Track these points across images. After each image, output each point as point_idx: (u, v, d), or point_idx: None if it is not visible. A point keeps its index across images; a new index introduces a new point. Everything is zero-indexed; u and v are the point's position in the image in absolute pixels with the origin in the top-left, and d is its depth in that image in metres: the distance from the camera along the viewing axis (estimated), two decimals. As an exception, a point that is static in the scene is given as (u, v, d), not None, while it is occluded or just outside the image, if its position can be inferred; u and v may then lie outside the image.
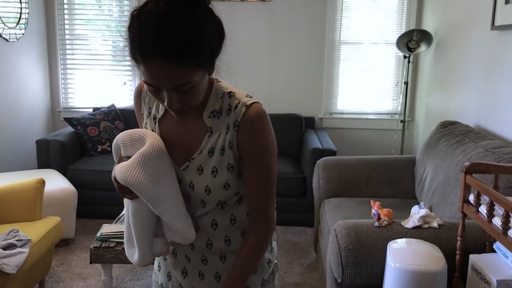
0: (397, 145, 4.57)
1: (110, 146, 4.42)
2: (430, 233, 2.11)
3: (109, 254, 2.62)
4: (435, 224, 2.13)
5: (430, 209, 2.70)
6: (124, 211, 1.39)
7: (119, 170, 1.18)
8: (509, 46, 2.75)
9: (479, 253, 1.99)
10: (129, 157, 1.22)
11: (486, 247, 2.04)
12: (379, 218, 2.23)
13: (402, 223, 2.18)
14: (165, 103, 1.11)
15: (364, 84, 4.77)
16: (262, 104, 1.24)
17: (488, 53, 3.03)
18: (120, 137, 1.25)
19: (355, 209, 2.89)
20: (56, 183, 3.65)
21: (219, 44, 1.14)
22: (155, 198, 1.19)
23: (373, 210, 2.28)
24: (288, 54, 4.72)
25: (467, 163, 1.94)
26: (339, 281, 2.18)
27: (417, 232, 2.11)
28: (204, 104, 1.22)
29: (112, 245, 2.63)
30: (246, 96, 1.23)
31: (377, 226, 2.17)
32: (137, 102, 1.35)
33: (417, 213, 2.21)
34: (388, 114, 4.79)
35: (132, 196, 1.20)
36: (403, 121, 4.41)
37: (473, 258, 1.92)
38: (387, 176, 3.30)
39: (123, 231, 2.69)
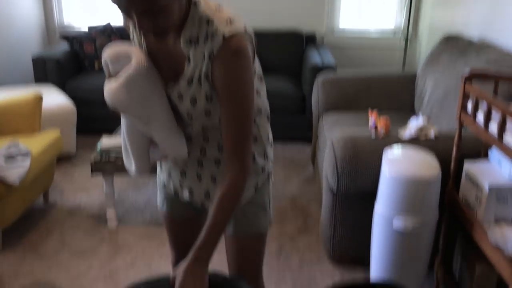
0: (399, 64, 4.50)
1: (108, 63, 4.36)
2: (426, 143, 2.13)
3: (109, 165, 2.66)
4: (431, 135, 2.14)
5: (429, 120, 2.71)
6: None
7: (107, 94, 1.19)
8: (520, -47, 2.62)
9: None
10: (117, 73, 1.21)
11: (480, 156, 2.06)
12: (376, 129, 2.23)
13: (399, 134, 2.19)
14: (136, 26, 1.06)
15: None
16: (246, 24, 1.16)
17: (498, -38, 2.89)
18: (107, 54, 1.23)
19: (353, 123, 2.90)
20: (55, 98, 3.64)
21: None
22: (144, 118, 1.20)
23: (370, 122, 2.28)
24: (289, -34, 4.52)
25: (466, 70, 1.92)
26: (334, 190, 2.23)
27: (414, 142, 2.13)
28: (181, 27, 1.15)
29: (112, 156, 2.66)
30: (227, 23, 1.13)
31: (374, 138, 2.18)
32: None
33: (414, 124, 2.21)
34: (391, 32, 4.68)
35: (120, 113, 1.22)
36: (406, 39, 4.31)
37: (467, 165, 1.95)
38: (386, 91, 3.28)
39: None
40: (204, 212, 1.48)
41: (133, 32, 1.29)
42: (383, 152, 2.06)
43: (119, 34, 4.50)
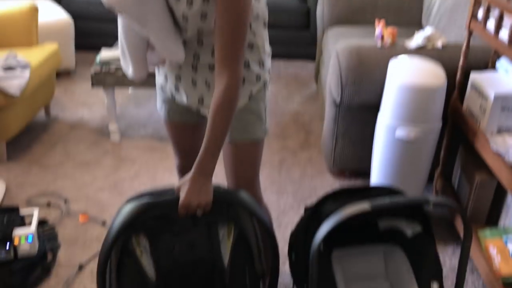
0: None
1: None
2: (433, 53, 2.08)
3: (110, 77, 2.63)
4: (439, 44, 2.09)
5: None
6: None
7: None
8: None
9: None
10: None
11: (488, 67, 2.02)
12: (382, 39, 2.17)
13: (406, 44, 2.13)
14: None
15: None
16: None
17: None
18: None
19: (359, 36, 2.82)
20: (51, 11, 3.53)
21: None
22: (141, 19, 1.16)
23: (376, 32, 2.21)
24: None
25: (480, -24, 1.83)
26: (338, 102, 2.21)
27: (421, 52, 2.08)
28: None
29: (112, 68, 2.62)
30: None
31: (380, 48, 2.13)
32: None
33: (421, 34, 2.15)
34: None
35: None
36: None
37: (474, 75, 1.91)
38: (394, 4, 3.17)
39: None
40: (200, 117, 1.49)
41: None
42: (389, 62, 2.01)
43: None
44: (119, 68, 2.60)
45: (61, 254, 1.98)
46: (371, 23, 3.08)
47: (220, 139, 1.18)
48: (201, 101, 1.38)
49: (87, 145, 2.79)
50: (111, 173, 2.54)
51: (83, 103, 3.27)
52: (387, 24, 3.02)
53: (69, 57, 3.55)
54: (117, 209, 1.18)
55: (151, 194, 1.18)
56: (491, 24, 1.76)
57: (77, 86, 3.51)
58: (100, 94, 3.31)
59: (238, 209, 1.25)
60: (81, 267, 1.92)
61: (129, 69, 1.37)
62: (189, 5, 1.18)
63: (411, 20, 3.13)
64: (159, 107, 1.54)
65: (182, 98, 1.41)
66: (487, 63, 2.04)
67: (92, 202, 2.31)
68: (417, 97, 1.86)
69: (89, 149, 2.75)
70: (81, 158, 2.66)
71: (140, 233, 1.20)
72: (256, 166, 1.48)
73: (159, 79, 1.48)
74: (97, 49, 3.73)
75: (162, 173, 2.55)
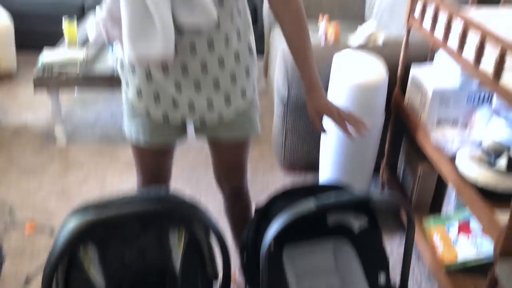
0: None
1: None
2: (375, 49, 2.13)
3: (53, 80, 2.55)
4: (379, 41, 2.15)
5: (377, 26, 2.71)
6: (104, 9, 1.20)
7: None
8: None
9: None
10: None
11: (426, 61, 2.10)
12: (326, 37, 2.22)
13: (348, 41, 2.18)
14: None
15: None
16: None
17: None
18: None
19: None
20: (-12, 12, 3.39)
21: None
22: None
23: (320, 30, 2.25)
24: None
25: (416, -26, 1.89)
26: (285, 100, 2.24)
27: (362, 49, 2.13)
28: None
29: (55, 71, 2.54)
30: None
31: (324, 46, 2.17)
32: None
33: (363, 30, 2.20)
34: None
35: None
36: None
37: (414, 70, 1.98)
38: (337, 0, 3.23)
39: (67, 57, 2.60)
40: (182, 133, 1.40)
41: None
42: (332, 60, 2.05)
43: None
44: (62, 72, 2.53)
45: (7, 267, 1.91)
46: (316, 18, 3.13)
47: (310, 48, 1.31)
48: (210, 106, 1.28)
49: (32, 150, 2.70)
50: (58, 179, 2.47)
51: (26, 107, 3.16)
52: (331, 18, 3.08)
53: (10, 59, 3.42)
54: (65, 216, 1.14)
55: (97, 206, 1.12)
56: (427, 20, 1.83)
57: (20, 89, 3.39)
58: (44, 97, 3.21)
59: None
60: (28, 281, 1.86)
61: (156, 45, 1.11)
62: None
63: (355, 14, 3.20)
64: (134, 136, 1.37)
65: (184, 112, 1.29)
66: (427, 56, 2.11)
67: (39, 210, 2.24)
68: (360, 93, 1.91)
69: (35, 154, 2.67)
70: (26, 165, 2.58)
71: (88, 242, 1.17)
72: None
73: (137, 103, 1.31)
74: (39, 49, 3.60)
75: (111, 176, 2.50)
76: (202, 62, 1.21)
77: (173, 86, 1.24)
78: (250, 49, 1.32)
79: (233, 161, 1.50)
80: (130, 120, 1.36)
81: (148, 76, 1.24)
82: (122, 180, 2.45)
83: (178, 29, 1.15)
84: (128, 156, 2.64)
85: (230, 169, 1.53)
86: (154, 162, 1.47)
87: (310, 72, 1.33)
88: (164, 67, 1.21)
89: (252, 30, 1.35)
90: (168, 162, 1.51)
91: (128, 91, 1.32)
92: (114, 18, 1.18)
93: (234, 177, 1.55)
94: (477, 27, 1.42)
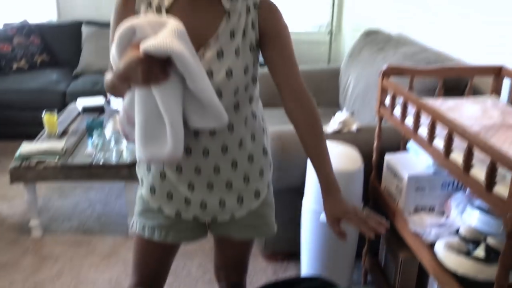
0: (325, 58, 4.61)
1: (28, 63, 4.14)
2: (349, 137, 2.19)
3: (31, 172, 2.53)
4: (354, 128, 2.21)
5: (352, 115, 2.79)
6: (122, 110, 1.24)
7: (154, 42, 1.03)
8: (431, -49, 2.75)
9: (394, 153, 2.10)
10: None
11: (400, 147, 2.15)
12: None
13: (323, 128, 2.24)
14: None
15: (292, -5, 4.67)
16: None
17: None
18: (133, 22, 1.10)
19: (280, 120, 2.93)
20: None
21: None
22: (196, 71, 1.09)
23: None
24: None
25: (384, 67, 1.99)
26: (265, 186, 2.24)
27: (337, 136, 2.19)
28: None
29: (33, 162, 2.53)
30: None
31: (300, 132, 2.22)
32: (127, 1, 1.23)
33: (337, 119, 2.27)
34: (316, 26, 4.77)
35: (162, 77, 1.07)
36: (330, 33, 4.42)
37: (388, 157, 2.02)
38: (312, 86, 3.32)
39: (46, 148, 2.60)
40: (200, 232, 1.42)
41: (145, 14, 1.21)
42: (309, 148, 2.09)
43: (38, 32, 4.28)
44: (41, 161, 2.51)
45: None
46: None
47: (329, 159, 1.32)
48: (222, 203, 1.31)
49: (4, 244, 2.62)
50: (31, 274, 2.38)
51: (1, 197, 3.10)
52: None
53: (-13, 149, 3.40)
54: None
55: None
56: (397, 110, 1.90)
57: (-4, 179, 3.34)
58: (20, 186, 3.16)
59: None
60: None
61: (164, 150, 1.15)
62: (237, 56, 1.21)
63: (330, 100, 3.31)
64: (147, 232, 1.36)
65: (196, 210, 1.32)
66: (399, 143, 2.17)
67: (9, 310, 2.13)
68: (338, 181, 1.93)
69: (7, 248, 2.58)
70: (-2, 260, 2.49)
71: None
72: None
73: (143, 190, 1.36)
74: (17, 138, 3.61)
75: (87, 270, 2.42)
76: (215, 164, 1.27)
77: (186, 186, 1.28)
78: (264, 151, 1.35)
79: (237, 257, 1.50)
80: (143, 215, 1.37)
81: (162, 175, 1.29)
82: (98, 273, 2.37)
83: (193, 132, 1.21)
84: (105, 246, 2.57)
85: (232, 264, 1.53)
86: (160, 258, 1.44)
87: (325, 174, 1.32)
88: (178, 167, 1.26)
89: (268, 131, 1.40)
90: (173, 258, 1.48)
91: (142, 188, 1.36)
92: (129, 119, 1.22)
93: (235, 273, 1.55)
94: (445, 121, 1.47)
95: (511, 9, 2.02)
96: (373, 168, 2.12)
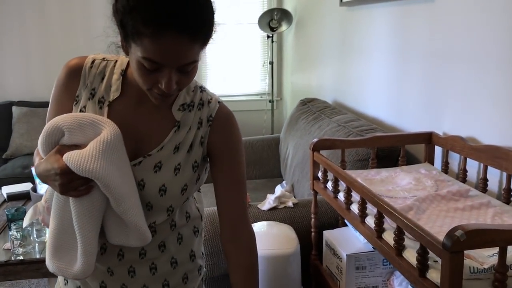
0: (267, 125, 4.59)
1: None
2: (285, 213, 2.08)
3: None
4: (290, 204, 2.11)
5: (292, 187, 2.71)
6: (43, 200, 1.14)
7: (77, 159, 0.94)
8: (357, 22, 2.81)
9: (333, 228, 1.99)
10: (76, 146, 0.99)
11: (339, 221, 2.05)
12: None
13: (259, 205, 2.13)
14: (163, 85, 0.95)
15: (232, 66, 4.70)
16: None
17: (340, 30, 3.09)
18: (63, 121, 0.99)
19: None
20: None
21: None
22: (121, 194, 0.98)
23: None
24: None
25: (314, 140, 1.93)
26: (201, 272, 2.07)
27: (273, 214, 2.07)
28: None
29: None
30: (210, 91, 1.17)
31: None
32: (71, 80, 1.10)
33: (274, 194, 2.17)
34: (257, 94, 4.79)
35: (82, 192, 0.98)
36: (271, 101, 4.42)
37: (326, 234, 1.92)
38: (253, 157, 3.27)
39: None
40: None
41: (84, 101, 1.10)
42: (243, 229, 1.96)
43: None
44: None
45: None
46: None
47: None
48: None
49: None
50: None
51: None
52: (249, 177, 3.08)
53: None
54: None
55: None
56: (330, 185, 1.81)
57: None
58: None
59: None
60: None
61: (74, 267, 1.05)
62: (176, 173, 1.08)
63: (271, 172, 3.23)
64: None
65: None
66: (337, 217, 2.08)
67: None
68: (272, 265, 1.80)
69: None
70: None
71: None
72: None
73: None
74: None
75: None
76: (129, 267, 1.14)
77: (98, 286, 1.15)
78: (192, 255, 1.22)
79: None
80: None
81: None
82: None
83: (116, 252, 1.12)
84: None
85: None
86: None
87: None
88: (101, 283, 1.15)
89: (202, 230, 1.27)
90: None
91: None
92: (50, 211, 1.10)
93: None
94: (374, 201, 1.38)
95: (439, 75, 2.03)
96: (313, 246, 2.00)
